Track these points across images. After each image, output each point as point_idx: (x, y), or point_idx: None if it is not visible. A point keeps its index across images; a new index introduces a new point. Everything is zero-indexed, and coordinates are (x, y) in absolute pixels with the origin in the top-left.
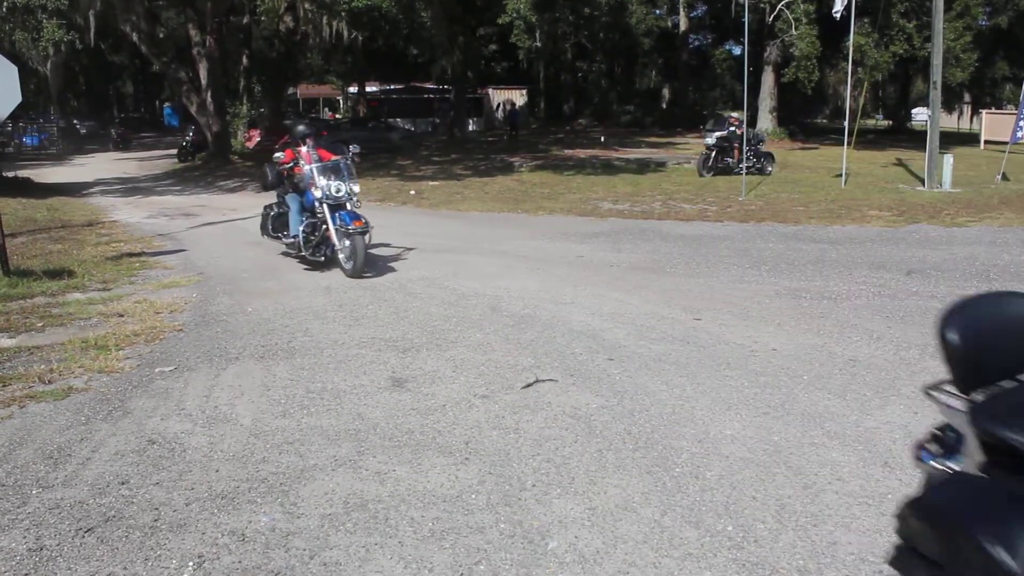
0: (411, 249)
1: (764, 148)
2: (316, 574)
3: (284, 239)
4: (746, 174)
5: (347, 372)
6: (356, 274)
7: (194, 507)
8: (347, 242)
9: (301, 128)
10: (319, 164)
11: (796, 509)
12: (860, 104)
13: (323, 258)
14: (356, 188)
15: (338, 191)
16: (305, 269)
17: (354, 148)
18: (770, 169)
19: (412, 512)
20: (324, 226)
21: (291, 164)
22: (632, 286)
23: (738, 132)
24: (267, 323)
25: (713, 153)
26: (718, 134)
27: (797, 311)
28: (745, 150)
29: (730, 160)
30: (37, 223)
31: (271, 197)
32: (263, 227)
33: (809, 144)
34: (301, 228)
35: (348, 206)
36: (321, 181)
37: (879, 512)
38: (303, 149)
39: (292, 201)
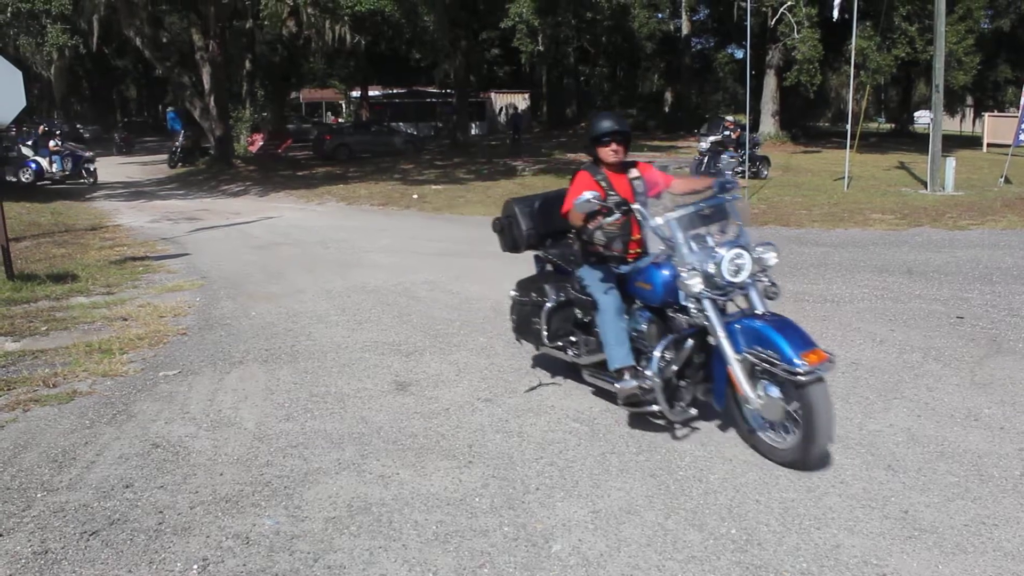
0: (413, 252)
1: (759, 152)
2: None
3: (581, 356)
4: (742, 179)
5: (351, 376)
6: (814, 465)
7: (198, 510)
8: (776, 392)
9: (606, 123)
10: (683, 211)
11: (799, 512)
12: (862, 107)
13: (693, 412)
14: (772, 258)
15: (735, 271)
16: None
17: (729, 160)
18: (766, 173)
19: (416, 515)
20: (693, 345)
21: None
22: None
23: (733, 136)
24: (271, 327)
25: (706, 158)
26: (712, 138)
27: (800, 314)
28: (742, 154)
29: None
30: (41, 227)
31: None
32: (521, 327)
33: (811, 147)
34: (659, 352)
35: (756, 299)
36: (690, 254)
37: (883, 515)
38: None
39: (602, 289)
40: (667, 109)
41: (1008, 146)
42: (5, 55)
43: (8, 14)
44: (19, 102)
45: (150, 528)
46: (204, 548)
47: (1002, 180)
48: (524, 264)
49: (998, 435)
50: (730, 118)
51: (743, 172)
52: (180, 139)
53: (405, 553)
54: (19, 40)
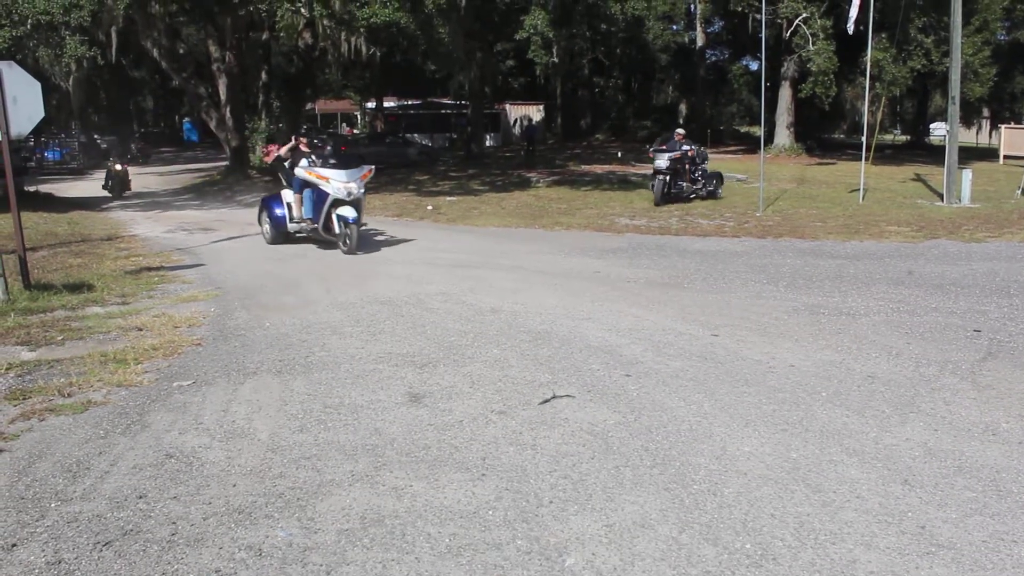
0: (428, 264)
1: (708, 167)
2: None
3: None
4: (695, 199)
5: (364, 387)
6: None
7: (211, 521)
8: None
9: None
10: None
11: (815, 527)
12: (878, 119)
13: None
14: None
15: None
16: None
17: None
18: (720, 192)
19: (429, 528)
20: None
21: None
22: (649, 302)
23: (689, 153)
24: (285, 338)
25: (667, 177)
26: (671, 155)
27: (815, 327)
28: (692, 171)
29: (684, 184)
30: (58, 237)
31: None
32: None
33: (826, 159)
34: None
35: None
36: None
37: (899, 530)
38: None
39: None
40: (681, 121)
41: None
42: (24, 67)
43: (28, 26)
44: (38, 113)
45: (163, 539)
46: (217, 559)
47: (1019, 192)
48: (535, 275)
49: (1016, 450)
50: (681, 131)
51: (695, 192)
52: (114, 162)
53: (418, 566)
54: (38, 52)
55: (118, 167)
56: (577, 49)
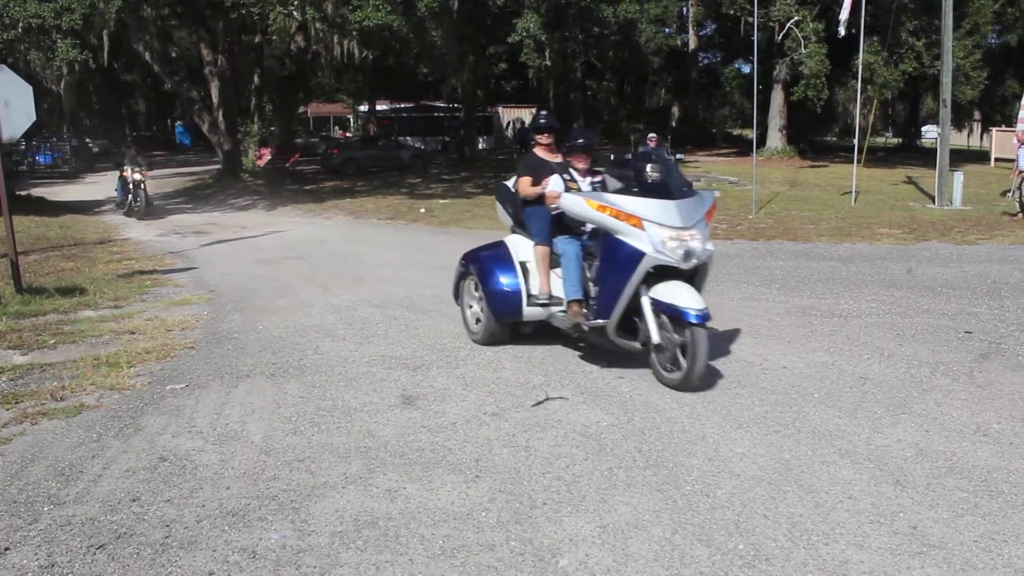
0: (421, 266)
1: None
2: None
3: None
4: None
5: (357, 390)
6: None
7: (205, 524)
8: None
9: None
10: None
11: (807, 527)
12: (869, 122)
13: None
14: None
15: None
16: None
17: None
18: None
19: (423, 530)
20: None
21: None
22: None
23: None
24: (278, 341)
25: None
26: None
27: (807, 329)
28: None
29: None
30: (50, 241)
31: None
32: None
33: (818, 162)
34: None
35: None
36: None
37: (891, 531)
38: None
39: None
40: (674, 124)
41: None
42: (16, 70)
43: (19, 29)
44: (29, 117)
45: (157, 542)
46: (211, 562)
47: (1010, 194)
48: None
49: (1007, 450)
50: (653, 135)
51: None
52: (125, 172)
53: (412, 568)
54: (29, 55)
55: (136, 176)
56: (570, 52)
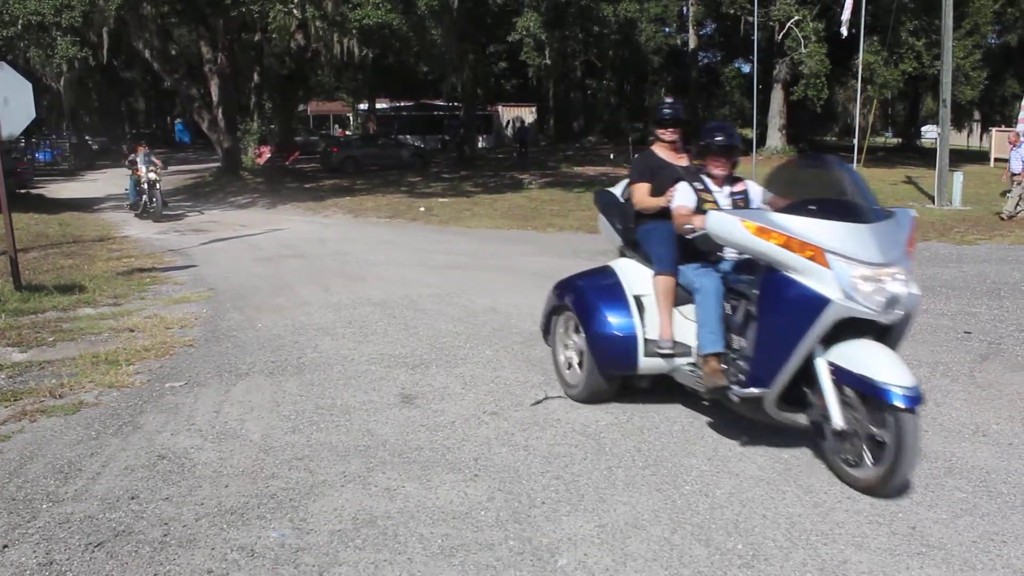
0: (420, 265)
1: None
2: None
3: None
4: None
5: (357, 388)
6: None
7: (204, 522)
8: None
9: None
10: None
11: (806, 527)
12: (869, 122)
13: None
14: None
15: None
16: None
17: None
18: None
19: (421, 528)
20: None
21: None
22: None
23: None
24: (277, 339)
25: None
26: None
27: None
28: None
29: None
30: (49, 238)
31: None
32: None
33: None
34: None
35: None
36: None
37: (890, 531)
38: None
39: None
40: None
41: None
42: (15, 67)
43: (19, 26)
44: (29, 114)
45: (155, 540)
46: (209, 560)
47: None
48: (527, 277)
49: (1006, 451)
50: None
51: None
52: (136, 171)
53: (410, 567)
54: (29, 52)
55: (152, 175)
56: (570, 51)
